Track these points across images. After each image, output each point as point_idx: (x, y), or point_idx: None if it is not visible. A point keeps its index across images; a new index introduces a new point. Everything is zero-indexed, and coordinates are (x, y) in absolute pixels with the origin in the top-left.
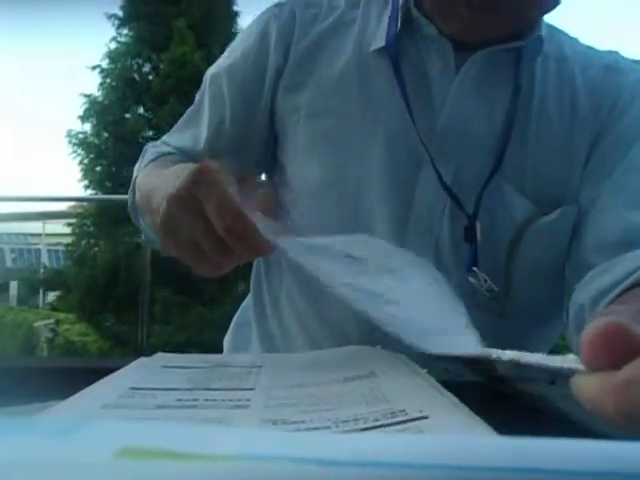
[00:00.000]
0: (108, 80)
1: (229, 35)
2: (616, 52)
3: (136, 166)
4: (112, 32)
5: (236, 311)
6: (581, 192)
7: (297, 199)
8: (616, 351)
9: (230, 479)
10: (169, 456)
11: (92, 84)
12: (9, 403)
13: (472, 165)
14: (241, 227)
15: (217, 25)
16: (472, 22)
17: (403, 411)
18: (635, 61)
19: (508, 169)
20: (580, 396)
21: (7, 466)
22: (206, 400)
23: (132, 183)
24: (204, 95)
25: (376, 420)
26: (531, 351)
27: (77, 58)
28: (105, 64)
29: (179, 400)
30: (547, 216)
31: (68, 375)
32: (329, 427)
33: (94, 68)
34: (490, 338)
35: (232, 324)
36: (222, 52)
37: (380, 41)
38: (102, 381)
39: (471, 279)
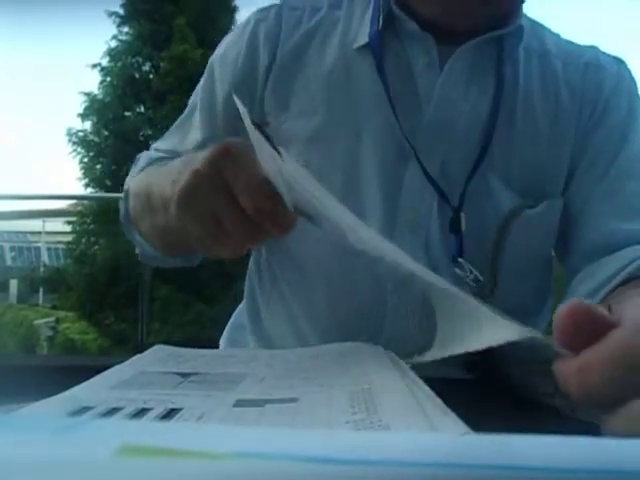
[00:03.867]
0: (108, 78)
1: (228, 31)
2: (595, 47)
3: (128, 178)
4: (113, 30)
5: (236, 309)
6: (571, 194)
7: None
8: (582, 331)
9: (229, 477)
10: (168, 454)
11: (92, 82)
12: (9, 401)
13: (458, 157)
14: (271, 205)
15: (216, 21)
16: (449, 3)
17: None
18: (614, 57)
19: (495, 160)
20: (557, 378)
21: (7, 464)
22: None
23: (124, 193)
24: (196, 104)
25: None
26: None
27: (77, 56)
28: (105, 62)
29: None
30: (533, 209)
31: (68, 373)
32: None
33: (94, 66)
34: None
35: (227, 326)
36: None
37: (363, 39)
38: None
39: (457, 270)
